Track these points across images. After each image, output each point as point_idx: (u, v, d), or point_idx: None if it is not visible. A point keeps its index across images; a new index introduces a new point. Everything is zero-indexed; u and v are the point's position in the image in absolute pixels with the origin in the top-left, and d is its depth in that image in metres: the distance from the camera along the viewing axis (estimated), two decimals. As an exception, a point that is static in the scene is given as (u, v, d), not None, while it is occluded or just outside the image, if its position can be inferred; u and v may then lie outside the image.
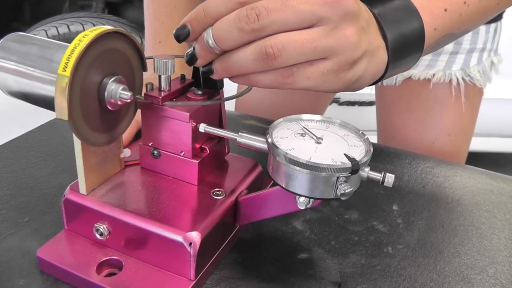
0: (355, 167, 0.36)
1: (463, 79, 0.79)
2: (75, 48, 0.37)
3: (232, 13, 0.37)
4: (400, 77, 0.81)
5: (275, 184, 0.39)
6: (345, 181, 0.36)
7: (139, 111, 0.46)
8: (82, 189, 0.43)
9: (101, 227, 0.42)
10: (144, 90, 0.44)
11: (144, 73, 0.46)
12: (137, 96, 0.45)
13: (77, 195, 0.44)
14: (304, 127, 0.41)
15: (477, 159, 1.40)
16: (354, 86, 0.42)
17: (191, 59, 0.41)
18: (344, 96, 1.83)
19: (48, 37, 1.69)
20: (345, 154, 0.37)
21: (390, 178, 0.38)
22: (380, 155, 0.66)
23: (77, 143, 0.41)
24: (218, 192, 0.45)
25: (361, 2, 0.41)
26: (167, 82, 0.44)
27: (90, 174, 0.43)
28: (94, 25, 1.74)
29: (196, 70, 0.46)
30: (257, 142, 0.41)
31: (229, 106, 0.64)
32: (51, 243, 0.44)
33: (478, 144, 1.61)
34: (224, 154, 0.51)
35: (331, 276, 0.44)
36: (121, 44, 0.42)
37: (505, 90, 1.76)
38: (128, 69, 0.44)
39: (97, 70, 0.40)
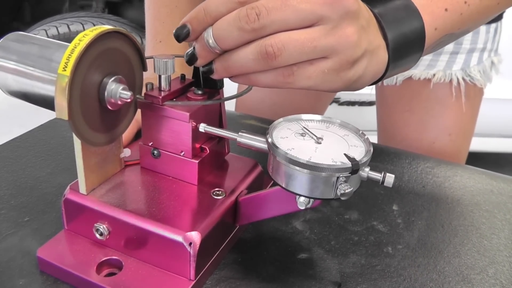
0: (355, 167, 0.36)
1: (463, 79, 0.79)
2: (75, 47, 0.37)
3: (232, 12, 0.37)
4: (400, 77, 0.81)
5: (275, 184, 0.39)
6: (345, 181, 0.36)
7: (139, 110, 0.46)
8: (82, 189, 0.43)
9: (101, 227, 0.42)
10: (144, 90, 0.44)
11: (144, 73, 0.46)
12: (137, 96, 0.45)
13: (77, 195, 0.44)
14: (304, 127, 0.41)
15: (477, 159, 1.40)
16: (354, 85, 0.42)
17: (191, 59, 0.41)
18: (344, 96, 1.83)
19: (48, 37, 1.69)
20: (345, 154, 0.37)
21: (390, 178, 0.38)
22: (380, 155, 0.66)
23: (77, 143, 0.41)
24: (218, 192, 0.45)
25: (361, 1, 0.41)
26: (167, 82, 0.44)
27: (90, 174, 0.43)
28: (94, 25, 1.74)
29: (196, 70, 0.46)
30: (257, 142, 0.41)
31: (229, 106, 0.64)
32: (51, 243, 0.44)
33: (478, 144, 1.61)
34: (224, 154, 0.51)
35: (331, 276, 0.44)
36: (121, 44, 0.42)
37: (505, 90, 1.76)
38: (128, 69, 0.44)
39: (97, 69, 0.40)
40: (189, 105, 0.44)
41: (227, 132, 0.43)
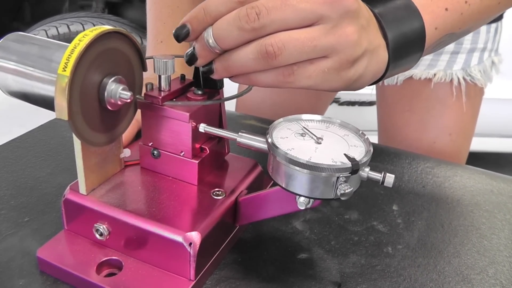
0: (355, 167, 0.36)
1: (464, 78, 0.79)
2: (75, 48, 0.37)
3: (232, 12, 0.37)
4: (401, 76, 0.81)
5: (275, 184, 0.39)
6: (345, 181, 0.36)
7: (140, 110, 0.46)
8: (82, 189, 0.43)
9: (101, 227, 0.42)
10: (144, 90, 0.44)
11: (144, 73, 0.46)
12: (137, 96, 0.45)
13: (77, 195, 0.44)
14: (304, 127, 0.41)
15: (477, 159, 1.40)
16: (355, 85, 0.42)
17: (191, 59, 0.41)
18: (344, 96, 1.83)
19: (48, 37, 1.69)
20: (345, 154, 0.37)
21: (390, 178, 0.38)
22: (380, 155, 0.66)
23: (77, 143, 0.41)
24: (218, 192, 0.45)
25: (362, 1, 0.41)
26: (167, 82, 0.44)
27: (90, 174, 0.43)
28: (94, 25, 1.74)
29: (197, 70, 0.46)
30: (257, 142, 0.41)
31: (230, 106, 0.64)
32: (51, 243, 0.44)
33: (478, 144, 1.61)
34: (224, 154, 0.51)
35: (331, 276, 0.44)
36: (121, 44, 0.42)
37: (506, 90, 1.76)
38: (128, 69, 0.44)
39: (97, 70, 0.40)
40: (189, 105, 0.44)
41: (227, 132, 0.43)
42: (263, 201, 0.44)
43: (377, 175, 0.38)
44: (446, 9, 0.46)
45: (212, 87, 0.46)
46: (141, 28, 1.79)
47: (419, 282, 0.44)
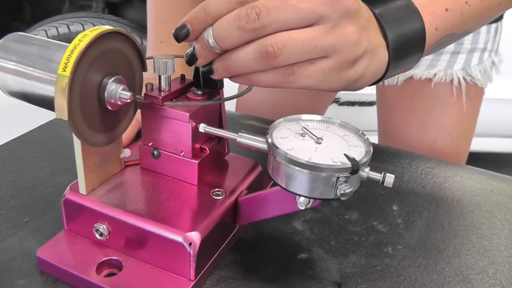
0: (355, 167, 0.36)
1: (464, 78, 0.79)
2: (75, 48, 0.37)
3: (232, 12, 0.37)
4: (401, 76, 0.81)
5: (275, 184, 0.39)
6: (345, 181, 0.36)
7: (139, 110, 0.46)
8: (82, 189, 0.43)
9: (101, 227, 0.42)
10: (144, 90, 0.44)
11: (144, 73, 0.46)
12: (137, 96, 0.45)
13: (77, 195, 0.44)
14: (304, 127, 0.41)
15: (478, 159, 1.40)
16: (355, 85, 0.42)
17: (191, 59, 0.41)
18: (344, 96, 1.83)
19: (48, 37, 1.69)
20: (345, 154, 0.37)
21: (390, 178, 0.38)
22: (380, 155, 0.66)
23: (77, 143, 0.41)
24: (218, 192, 0.45)
25: (362, 1, 0.41)
26: (167, 82, 0.44)
27: (90, 174, 0.43)
28: (94, 25, 1.74)
29: (197, 70, 0.46)
30: (257, 142, 0.41)
31: (230, 106, 0.64)
32: (51, 243, 0.44)
33: (478, 144, 1.61)
34: (224, 154, 0.51)
35: (331, 276, 0.44)
36: (121, 44, 0.42)
37: (506, 90, 1.76)
38: (128, 69, 0.44)
39: (97, 70, 0.40)
40: (189, 105, 0.44)
41: (227, 132, 0.43)
42: (263, 201, 0.44)
43: (377, 175, 0.38)
44: (447, 10, 0.46)
45: (212, 87, 0.46)
46: (141, 28, 1.79)
47: (419, 282, 0.44)
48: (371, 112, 1.03)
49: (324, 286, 0.43)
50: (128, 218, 0.41)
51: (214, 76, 0.41)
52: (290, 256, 0.47)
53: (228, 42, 0.38)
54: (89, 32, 0.38)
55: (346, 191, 0.36)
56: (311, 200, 0.38)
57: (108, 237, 0.42)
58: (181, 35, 0.39)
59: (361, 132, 0.41)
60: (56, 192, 0.54)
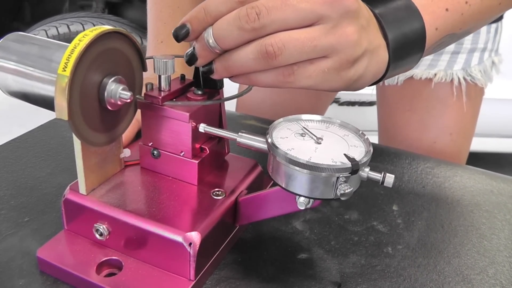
0: (355, 167, 0.36)
1: (464, 78, 0.79)
2: (75, 48, 0.37)
3: (232, 12, 0.37)
4: (401, 76, 0.81)
5: (275, 184, 0.39)
6: (345, 181, 0.36)
7: (139, 110, 0.46)
8: (82, 189, 0.43)
9: (101, 227, 0.42)
10: (144, 90, 0.44)
11: (144, 73, 0.46)
12: (137, 96, 0.45)
13: (77, 195, 0.44)
14: (304, 127, 0.41)
15: (478, 159, 1.40)
16: (355, 85, 0.42)
17: (191, 59, 0.40)
18: (344, 96, 1.83)
19: (48, 37, 1.69)
20: (345, 154, 0.37)
21: (390, 178, 0.38)
22: (380, 155, 0.66)
23: (77, 143, 0.41)
24: (218, 192, 0.45)
25: (362, 1, 0.41)
26: (167, 82, 0.44)
27: (90, 174, 0.43)
28: (94, 25, 1.74)
29: (197, 70, 0.46)
30: (257, 142, 0.41)
31: (230, 106, 0.64)
32: (51, 243, 0.44)
33: (478, 144, 1.61)
34: (224, 154, 0.51)
35: (331, 276, 0.44)
36: (121, 44, 0.42)
37: (506, 90, 1.76)
38: (128, 69, 0.44)
39: (97, 70, 0.40)
40: (189, 105, 0.44)
41: (227, 132, 0.43)
42: (263, 201, 0.44)
43: (377, 175, 0.38)
44: (447, 10, 0.46)
45: (212, 87, 0.46)
46: (141, 28, 1.79)
47: (419, 282, 0.44)
48: (371, 112, 1.03)
49: (324, 286, 0.43)
50: (128, 218, 0.41)
51: (214, 76, 0.41)
52: (290, 256, 0.47)
53: (228, 42, 0.38)
54: (89, 32, 0.38)
55: (346, 191, 0.36)
56: (311, 200, 0.38)
57: (108, 237, 0.42)
58: (180, 35, 0.39)
59: (361, 132, 0.41)
60: (56, 192, 0.54)
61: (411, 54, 0.45)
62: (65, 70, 0.37)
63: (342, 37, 0.38)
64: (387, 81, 0.83)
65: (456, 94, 0.79)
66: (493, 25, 0.79)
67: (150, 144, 0.47)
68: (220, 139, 0.48)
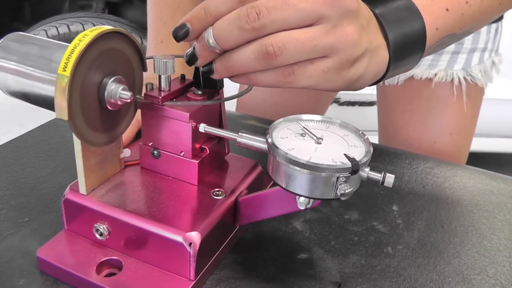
0: (355, 167, 0.36)
1: (464, 78, 0.79)
2: (75, 48, 0.37)
3: (233, 12, 0.37)
4: (402, 76, 0.81)
5: (275, 184, 0.39)
6: (345, 181, 0.36)
7: (139, 110, 0.46)
8: (82, 189, 0.43)
9: (101, 227, 0.42)
10: (144, 90, 0.44)
11: (144, 73, 0.46)
12: (137, 96, 0.45)
13: (77, 195, 0.44)
14: (304, 127, 0.41)
15: (478, 160, 1.40)
16: (355, 85, 0.42)
17: (191, 59, 0.40)
18: (344, 96, 1.83)
19: (48, 37, 1.69)
20: (345, 154, 0.37)
21: (390, 178, 0.38)
22: (380, 155, 0.66)
23: (77, 143, 0.41)
24: (218, 192, 0.45)
25: (362, 1, 0.41)
26: (167, 82, 0.44)
27: (90, 174, 0.43)
28: (94, 25, 1.74)
29: (197, 70, 0.46)
30: (257, 142, 0.41)
31: (230, 106, 0.64)
32: (51, 243, 0.44)
33: (478, 144, 1.61)
34: (224, 154, 0.51)
35: (331, 276, 0.44)
36: (121, 44, 0.42)
37: (506, 90, 1.76)
38: (128, 69, 0.44)
39: (97, 70, 0.40)
40: (189, 105, 0.44)
41: (227, 132, 0.43)
42: (263, 201, 0.44)
43: (377, 175, 0.38)
44: (447, 10, 0.46)
45: (212, 87, 0.46)
46: (141, 28, 1.79)
47: (419, 282, 0.44)
48: (371, 112, 1.03)
49: (324, 286, 0.43)
50: (128, 218, 0.41)
51: (214, 76, 0.41)
52: (290, 256, 0.47)
53: (228, 42, 0.38)
54: (89, 32, 0.38)
55: (346, 191, 0.36)
56: (311, 200, 0.38)
57: (108, 237, 0.42)
58: (180, 35, 0.39)
59: (361, 132, 0.41)
60: (56, 192, 0.54)
61: (412, 54, 0.45)
62: (65, 70, 0.37)
63: (342, 37, 0.38)
64: (387, 81, 0.83)
65: (457, 94, 0.79)
66: (493, 25, 0.79)
67: (150, 144, 0.47)
68: (220, 139, 0.48)
